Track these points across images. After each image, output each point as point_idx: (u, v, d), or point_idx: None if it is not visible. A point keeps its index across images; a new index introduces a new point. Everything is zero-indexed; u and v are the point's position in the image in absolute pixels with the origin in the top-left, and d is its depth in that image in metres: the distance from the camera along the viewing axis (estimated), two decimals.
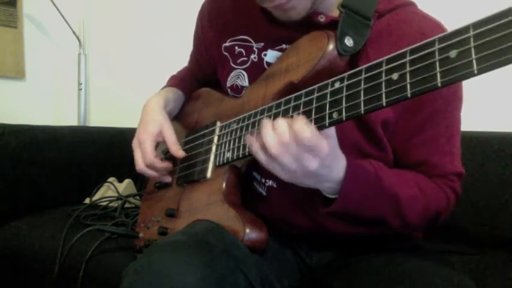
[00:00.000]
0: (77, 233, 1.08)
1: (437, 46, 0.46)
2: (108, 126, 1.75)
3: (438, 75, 0.45)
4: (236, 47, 0.85)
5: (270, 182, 0.80)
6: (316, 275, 0.81)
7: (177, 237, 0.65)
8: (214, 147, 0.83)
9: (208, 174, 0.82)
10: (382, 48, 0.70)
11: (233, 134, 0.77)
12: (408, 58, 0.49)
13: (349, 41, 0.68)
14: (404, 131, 0.74)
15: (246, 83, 0.84)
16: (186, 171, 0.89)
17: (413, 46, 0.49)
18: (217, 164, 0.81)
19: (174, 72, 1.09)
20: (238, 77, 0.85)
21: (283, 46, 0.79)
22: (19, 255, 1.15)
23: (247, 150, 0.72)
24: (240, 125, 0.76)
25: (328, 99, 0.58)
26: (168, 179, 0.92)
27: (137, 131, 0.90)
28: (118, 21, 1.99)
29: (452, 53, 0.44)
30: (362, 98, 0.53)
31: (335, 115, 0.56)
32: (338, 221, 0.74)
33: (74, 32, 1.93)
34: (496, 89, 1.28)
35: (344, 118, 0.55)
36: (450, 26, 0.46)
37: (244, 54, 0.84)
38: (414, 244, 0.82)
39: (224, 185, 0.77)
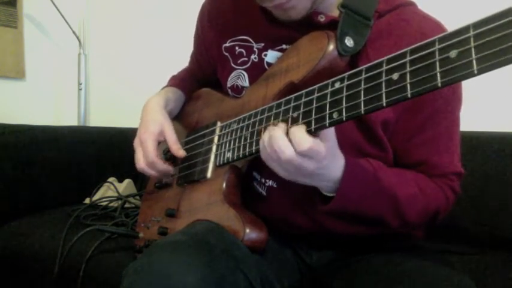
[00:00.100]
0: (77, 233, 1.08)
1: (437, 46, 0.46)
2: (108, 126, 1.75)
3: (438, 75, 0.45)
4: (236, 47, 0.85)
5: (270, 182, 0.80)
6: (316, 274, 0.81)
7: (177, 237, 0.65)
8: (214, 147, 0.83)
9: (209, 174, 0.82)
10: (382, 48, 0.70)
11: (233, 134, 0.77)
12: (408, 58, 0.49)
13: (349, 41, 0.68)
14: (405, 131, 0.74)
15: (246, 83, 0.84)
16: (186, 171, 0.89)
17: (413, 46, 0.49)
18: (217, 164, 0.81)
19: (174, 72, 1.09)
20: (239, 77, 0.85)
21: (284, 46, 0.79)
22: (19, 255, 1.15)
23: (247, 150, 0.72)
24: (241, 125, 0.76)
25: (329, 100, 0.58)
26: (168, 178, 0.92)
27: (138, 130, 0.90)
28: (118, 21, 1.99)
29: (453, 53, 0.44)
30: (362, 98, 0.53)
31: (335, 115, 0.56)
32: (337, 220, 0.74)
33: (74, 32, 1.93)
34: (496, 89, 1.28)
35: (344, 118, 0.56)
36: (450, 26, 0.46)
37: (244, 54, 0.84)
38: (414, 244, 0.82)
39: (224, 185, 0.77)
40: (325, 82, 0.60)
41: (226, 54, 0.87)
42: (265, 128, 0.65)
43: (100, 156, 1.60)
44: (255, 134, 0.70)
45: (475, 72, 0.42)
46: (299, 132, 0.58)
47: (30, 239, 1.16)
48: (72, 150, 1.51)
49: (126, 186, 1.48)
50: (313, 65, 0.68)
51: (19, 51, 1.86)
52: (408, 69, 0.48)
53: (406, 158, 0.76)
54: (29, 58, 1.90)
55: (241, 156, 0.74)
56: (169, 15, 1.85)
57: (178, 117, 1.01)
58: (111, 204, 1.38)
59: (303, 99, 0.62)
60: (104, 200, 1.40)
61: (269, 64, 0.80)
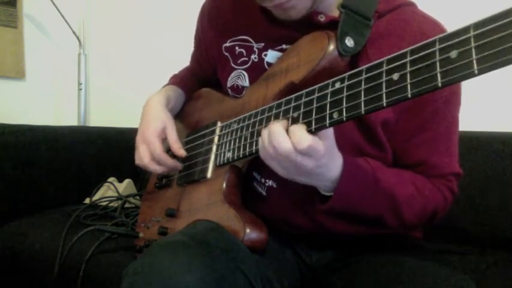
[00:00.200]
0: (77, 233, 1.08)
1: (437, 46, 0.46)
2: (108, 126, 1.76)
3: (439, 75, 0.45)
4: (236, 47, 0.85)
5: (270, 182, 0.80)
6: (316, 274, 0.81)
7: (177, 237, 0.65)
8: (214, 147, 0.83)
9: (209, 174, 0.82)
10: (383, 49, 0.70)
11: (233, 134, 0.77)
12: (409, 58, 0.49)
13: (349, 42, 0.68)
14: (404, 131, 0.74)
15: (246, 83, 0.84)
16: (186, 171, 0.89)
17: (413, 46, 0.49)
18: (217, 164, 0.81)
19: (174, 73, 1.09)
20: (239, 77, 0.85)
21: (284, 46, 0.79)
22: (19, 255, 1.15)
23: (247, 150, 0.72)
24: (241, 125, 0.76)
25: (329, 100, 0.58)
26: (172, 174, 0.91)
27: (140, 127, 0.90)
28: (118, 21, 1.99)
29: (453, 53, 0.44)
30: (362, 98, 0.53)
31: (335, 115, 0.56)
32: (337, 220, 0.74)
33: (74, 32, 1.93)
34: (496, 89, 1.28)
35: (344, 118, 0.55)
36: (450, 26, 0.46)
37: (244, 54, 0.84)
38: (414, 244, 0.82)
39: (224, 185, 0.77)
40: (326, 82, 0.60)
41: (227, 54, 0.87)
42: (265, 128, 0.65)
43: (100, 156, 1.60)
44: (255, 134, 0.70)
45: (476, 72, 0.42)
46: (299, 131, 0.58)
47: (30, 239, 1.16)
48: (72, 150, 1.51)
49: (126, 186, 1.48)
50: (314, 65, 0.68)
51: (19, 51, 1.86)
52: (408, 69, 0.48)
53: (405, 159, 0.76)
54: (29, 58, 1.90)
55: (241, 156, 0.74)
56: (169, 15, 1.85)
57: (178, 117, 1.01)
58: (111, 204, 1.38)
59: (303, 99, 0.62)
60: (104, 200, 1.40)
61: (269, 64, 0.80)
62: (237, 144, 0.75)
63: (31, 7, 1.89)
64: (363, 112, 0.53)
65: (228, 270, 0.61)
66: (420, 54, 0.47)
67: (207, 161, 0.83)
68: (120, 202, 1.36)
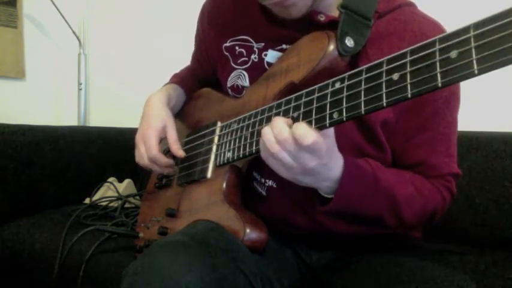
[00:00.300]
0: (77, 233, 1.08)
1: (437, 46, 0.46)
2: (108, 126, 1.76)
3: (439, 75, 0.45)
4: (236, 47, 0.85)
5: (269, 182, 0.80)
6: (316, 274, 0.81)
7: (177, 237, 0.65)
8: (214, 147, 0.83)
9: (209, 174, 0.82)
10: (383, 49, 0.70)
11: (233, 134, 0.77)
12: (409, 58, 0.49)
13: (349, 42, 0.68)
14: (404, 131, 0.74)
15: (246, 83, 0.84)
16: (186, 171, 0.89)
17: (413, 46, 0.49)
18: (217, 164, 0.81)
19: (174, 72, 1.09)
20: (239, 77, 0.85)
21: (284, 46, 0.79)
22: (19, 255, 1.15)
23: (247, 150, 0.72)
24: (241, 125, 0.76)
25: (329, 100, 0.58)
26: (170, 173, 0.91)
27: (140, 125, 0.90)
28: (118, 21, 1.99)
29: (453, 54, 0.44)
30: (362, 98, 0.53)
31: (335, 115, 0.56)
32: (337, 220, 0.74)
33: (74, 32, 1.93)
34: (496, 89, 1.28)
35: (344, 118, 0.55)
36: (450, 26, 0.46)
37: (244, 54, 0.84)
38: (414, 244, 0.82)
39: (224, 185, 0.77)
40: (326, 82, 0.60)
41: (227, 54, 0.87)
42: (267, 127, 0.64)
43: (100, 156, 1.60)
44: (255, 134, 0.70)
45: (476, 72, 0.42)
46: (302, 127, 0.57)
47: (30, 239, 1.16)
48: (72, 150, 1.51)
49: (126, 186, 1.48)
50: (314, 65, 0.68)
51: (19, 51, 1.86)
52: (408, 69, 0.48)
53: (405, 159, 0.76)
54: (29, 58, 1.90)
55: (241, 156, 0.74)
56: (169, 15, 1.85)
57: (178, 116, 1.01)
58: (111, 204, 1.38)
59: (303, 99, 0.62)
60: (104, 200, 1.40)
61: (269, 64, 0.80)
62: (237, 144, 0.75)
63: (31, 7, 1.89)
64: (362, 112, 0.53)
65: (228, 270, 0.61)
66: (420, 54, 0.47)
67: (207, 161, 0.83)
68: (120, 202, 1.36)
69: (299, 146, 0.57)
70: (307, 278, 0.82)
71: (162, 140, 0.90)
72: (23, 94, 1.91)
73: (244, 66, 0.84)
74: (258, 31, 0.82)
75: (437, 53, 0.46)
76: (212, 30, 0.90)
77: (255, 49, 0.82)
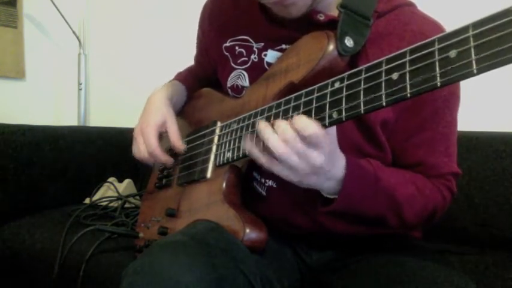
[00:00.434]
0: (77, 233, 1.08)
1: (437, 46, 0.46)
2: (108, 126, 1.75)
3: (438, 75, 0.45)
4: (236, 47, 0.85)
5: (269, 182, 0.80)
6: (316, 274, 0.81)
7: (177, 237, 0.65)
8: (214, 147, 0.83)
9: (209, 174, 0.82)
10: (382, 49, 0.70)
11: (233, 134, 0.77)
12: (408, 58, 0.49)
13: (349, 41, 0.68)
14: (404, 131, 0.74)
15: (246, 83, 0.84)
16: (186, 171, 0.89)
17: (413, 46, 0.49)
18: (217, 164, 0.81)
19: (174, 73, 1.09)
20: (239, 77, 0.85)
21: (283, 46, 0.79)
22: (19, 255, 1.15)
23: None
24: (240, 125, 0.76)
25: (328, 99, 0.58)
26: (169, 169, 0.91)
27: (141, 118, 0.90)
28: (118, 21, 1.99)
29: (452, 53, 0.44)
30: (362, 98, 0.53)
31: (335, 115, 0.56)
32: (337, 220, 0.74)
33: (74, 32, 1.93)
34: (496, 89, 1.28)
35: (344, 118, 0.56)
36: (450, 26, 0.46)
37: (244, 54, 0.84)
38: (414, 244, 0.82)
39: (224, 184, 0.77)
40: (325, 82, 0.60)
41: (227, 54, 0.87)
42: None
43: (100, 156, 1.60)
44: (255, 134, 0.70)
45: (475, 72, 0.42)
46: (302, 118, 0.57)
47: (30, 239, 1.16)
48: (72, 150, 1.51)
49: (126, 186, 1.48)
50: (313, 65, 0.68)
51: (19, 51, 1.86)
52: (408, 69, 0.48)
53: (404, 158, 0.76)
54: (29, 58, 1.90)
55: (241, 156, 0.74)
56: (169, 15, 1.85)
57: (178, 116, 1.01)
58: (111, 204, 1.38)
59: (303, 99, 0.62)
60: (104, 200, 1.40)
61: (269, 64, 0.80)
62: (236, 144, 0.75)
63: (31, 7, 1.89)
64: (362, 112, 0.53)
65: (227, 270, 0.61)
66: (419, 54, 0.47)
67: (206, 161, 0.83)
68: (120, 202, 1.36)
69: (303, 140, 0.57)
70: (307, 278, 0.82)
71: (163, 136, 0.89)
72: (23, 94, 1.91)
73: (244, 66, 0.84)
74: (258, 31, 0.82)
75: (437, 53, 0.46)
76: (212, 30, 0.90)
77: (254, 49, 0.83)
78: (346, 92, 0.56)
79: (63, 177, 1.47)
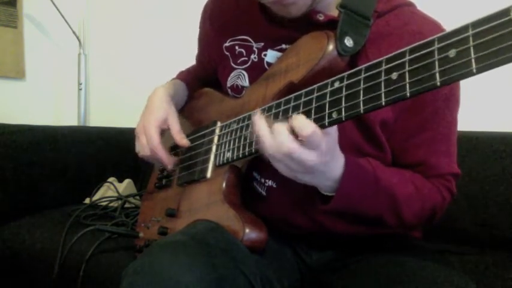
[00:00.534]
0: (77, 233, 1.08)
1: (436, 45, 0.46)
2: (108, 126, 1.76)
3: (437, 74, 0.45)
4: (236, 47, 0.85)
5: (269, 182, 0.80)
6: (316, 274, 0.81)
7: (177, 237, 0.65)
8: (214, 147, 0.83)
9: (208, 174, 0.82)
10: (382, 48, 0.70)
11: (233, 134, 0.77)
12: (407, 57, 0.49)
13: (348, 41, 0.68)
14: (403, 131, 0.74)
15: (246, 83, 0.84)
16: (186, 171, 0.89)
17: (412, 45, 0.49)
18: (217, 164, 0.81)
19: (174, 72, 1.09)
20: (239, 77, 0.85)
21: (283, 46, 0.79)
22: (19, 255, 1.15)
23: (247, 150, 0.72)
24: (240, 125, 0.76)
25: (328, 99, 0.58)
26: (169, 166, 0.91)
27: (142, 116, 0.90)
28: (118, 21, 1.99)
29: (452, 53, 0.44)
30: (361, 97, 0.53)
31: (334, 115, 0.56)
32: (337, 220, 0.74)
33: (74, 32, 1.93)
34: (496, 89, 1.28)
35: (343, 118, 0.56)
36: (450, 26, 0.46)
37: (244, 54, 0.84)
38: (414, 244, 0.82)
39: (224, 184, 0.77)
40: (325, 82, 0.60)
41: (227, 53, 0.87)
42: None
43: (100, 156, 1.60)
44: (255, 133, 0.70)
45: (474, 71, 0.42)
46: (300, 118, 0.57)
47: (30, 239, 1.16)
48: (72, 150, 1.51)
49: (126, 186, 1.48)
50: (313, 65, 0.68)
51: (19, 51, 1.86)
52: (407, 68, 0.48)
53: (404, 158, 0.76)
54: (29, 58, 1.90)
55: (240, 156, 0.74)
56: (169, 15, 1.85)
57: (179, 116, 1.01)
58: (111, 204, 1.38)
59: (303, 99, 0.62)
60: (104, 200, 1.40)
61: (269, 64, 0.80)
62: (236, 144, 0.75)
63: (31, 7, 1.89)
64: (361, 111, 0.53)
65: (227, 270, 0.61)
66: (419, 54, 0.47)
67: (206, 161, 0.83)
68: (120, 202, 1.36)
69: (299, 141, 0.57)
70: (307, 278, 0.82)
71: (165, 133, 0.89)
72: (23, 94, 1.91)
73: (244, 66, 0.84)
74: (258, 31, 0.82)
75: (436, 52, 0.46)
76: (213, 30, 0.90)
77: (254, 49, 0.83)
78: (345, 91, 0.56)
79: (63, 177, 1.47)
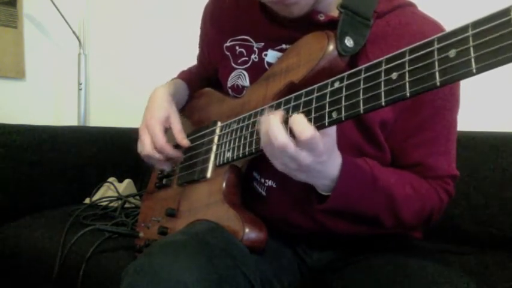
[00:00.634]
0: (77, 233, 1.08)
1: (436, 45, 0.46)
2: (108, 126, 1.76)
3: (437, 74, 0.45)
4: (237, 47, 0.85)
5: (269, 182, 0.80)
6: (316, 274, 0.81)
7: (177, 237, 0.65)
8: (214, 147, 0.83)
9: (209, 174, 0.82)
10: (382, 49, 0.70)
11: (233, 133, 0.77)
12: (407, 58, 0.49)
13: (349, 41, 0.68)
14: (403, 131, 0.74)
15: (246, 83, 0.84)
16: (186, 171, 0.89)
17: (412, 46, 0.49)
18: (217, 163, 0.81)
19: (174, 72, 1.09)
20: (239, 77, 0.85)
21: (284, 46, 0.79)
22: (19, 255, 1.15)
23: (247, 149, 0.72)
24: (240, 125, 0.76)
25: (328, 99, 0.58)
26: (170, 167, 0.91)
27: (144, 116, 0.90)
28: (118, 21, 1.99)
29: (452, 53, 0.44)
30: (361, 97, 0.53)
31: (334, 115, 0.56)
32: (338, 219, 0.74)
33: (74, 32, 1.94)
34: (495, 89, 1.28)
35: (343, 118, 0.56)
36: (450, 26, 0.46)
37: (245, 54, 0.84)
38: (414, 244, 0.82)
39: (224, 184, 0.78)
40: (325, 82, 0.60)
41: (228, 53, 0.87)
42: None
43: (100, 156, 1.60)
44: (255, 133, 0.70)
45: (474, 71, 0.42)
46: (301, 120, 0.57)
47: (30, 239, 1.16)
48: (72, 150, 1.51)
49: (126, 186, 1.48)
50: (313, 65, 0.68)
51: (19, 51, 1.86)
52: (407, 68, 0.48)
53: (403, 159, 0.76)
54: (29, 58, 1.90)
55: (240, 155, 0.74)
56: (169, 15, 1.85)
57: (179, 115, 1.01)
58: (111, 204, 1.38)
59: (303, 99, 0.62)
60: (104, 200, 1.40)
61: (269, 64, 0.80)
62: (236, 144, 0.75)
63: (31, 7, 1.89)
64: (361, 111, 0.53)
65: (227, 270, 0.61)
66: (419, 54, 0.47)
67: (206, 160, 0.83)
68: (120, 202, 1.36)
69: (297, 144, 0.57)
70: (307, 278, 0.82)
71: (166, 133, 0.89)
72: (23, 94, 1.91)
73: (244, 66, 0.84)
74: (258, 31, 0.82)
75: (436, 52, 0.46)
76: (213, 30, 0.91)
77: (255, 49, 0.83)
78: (345, 91, 0.56)
79: (63, 177, 1.47)
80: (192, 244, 0.63)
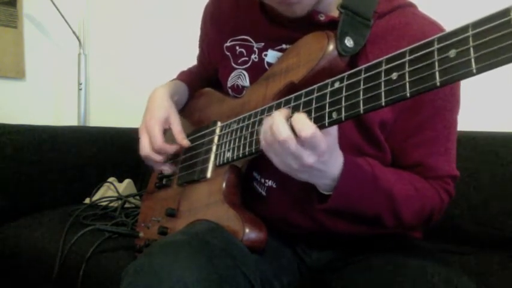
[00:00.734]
0: (77, 233, 1.08)
1: (436, 46, 0.46)
2: (108, 126, 1.76)
3: (437, 74, 0.45)
4: (237, 47, 0.85)
5: (269, 182, 0.80)
6: (315, 274, 0.81)
7: (177, 237, 0.66)
8: (214, 147, 0.83)
9: (209, 174, 0.82)
10: (382, 49, 0.70)
11: (233, 134, 0.77)
12: (407, 58, 0.49)
13: (349, 42, 0.68)
14: (403, 131, 0.74)
15: (246, 83, 0.84)
16: (186, 171, 0.89)
17: (412, 46, 0.49)
18: (217, 163, 0.81)
19: (174, 72, 1.09)
20: (239, 77, 0.85)
21: (284, 46, 0.79)
22: (19, 255, 1.15)
23: (247, 149, 0.72)
24: (240, 125, 0.76)
25: (328, 99, 0.58)
26: (170, 169, 0.91)
27: (144, 117, 0.90)
28: (118, 21, 1.99)
29: (452, 53, 0.44)
30: (361, 97, 0.53)
31: (334, 115, 0.57)
32: (338, 219, 0.74)
33: (74, 32, 1.94)
34: (496, 89, 1.28)
35: (343, 118, 0.56)
36: (450, 26, 0.46)
37: (245, 54, 0.84)
38: (414, 244, 0.82)
39: (224, 184, 0.78)
40: (325, 82, 0.60)
41: (228, 53, 0.87)
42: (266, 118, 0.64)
43: (100, 156, 1.60)
44: (255, 133, 0.70)
45: (474, 71, 0.42)
46: (302, 118, 0.57)
47: (30, 239, 1.16)
48: (72, 150, 1.51)
49: (126, 186, 1.48)
50: (313, 65, 0.68)
51: (19, 51, 1.86)
52: (407, 69, 0.48)
53: (403, 159, 0.76)
54: (29, 58, 1.90)
55: (240, 155, 0.74)
56: (169, 15, 1.85)
57: (179, 115, 1.01)
58: (111, 204, 1.38)
59: (303, 99, 0.62)
60: (104, 200, 1.40)
61: (269, 64, 0.80)
62: (236, 144, 0.75)
63: (31, 7, 1.89)
64: (361, 111, 0.53)
65: (227, 270, 0.61)
66: (419, 54, 0.47)
67: (206, 160, 0.83)
68: (120, 202, 1.36)
69: (298, 141, 0.57)
70: (306, 277, 0.82)
71: (166, 133, 0.89)
72: (23, 94, 1.91)
73: (244, 66, 0.84)
74: (258, 31, 0.82)
75: (436, 52, 0.46)
76: (213, 30, 0.91)
77: (255, 49, 0.83)
78: (345, 92, 0.56)
79: (63, 177, 1.47)
80: (192, 244, 0.63)
